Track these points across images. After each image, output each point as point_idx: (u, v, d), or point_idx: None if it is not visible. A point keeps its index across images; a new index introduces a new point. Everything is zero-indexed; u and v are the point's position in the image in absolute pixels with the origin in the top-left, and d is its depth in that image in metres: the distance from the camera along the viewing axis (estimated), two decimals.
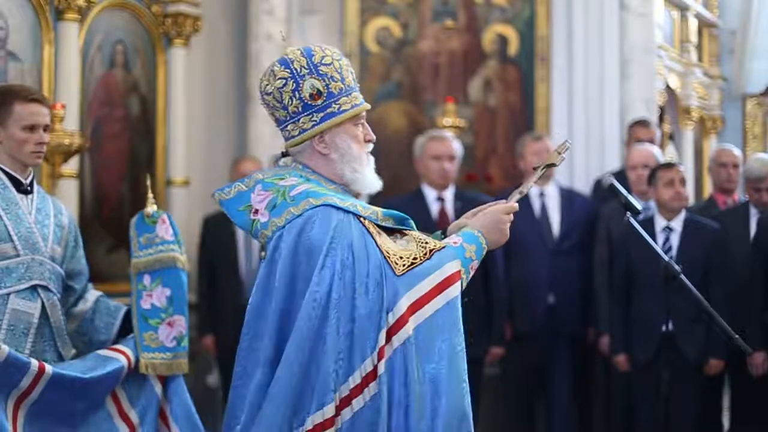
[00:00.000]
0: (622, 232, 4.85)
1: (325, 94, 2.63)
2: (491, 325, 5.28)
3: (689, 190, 6.02)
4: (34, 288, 3.29)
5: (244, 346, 2.59)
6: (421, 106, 6.47)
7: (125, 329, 3.49)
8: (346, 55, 3.42)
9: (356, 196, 2.76)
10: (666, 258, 3.97)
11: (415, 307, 2.52)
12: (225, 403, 2.69)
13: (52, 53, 4.95)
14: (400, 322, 2.50)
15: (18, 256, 3.26)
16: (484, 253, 2.66)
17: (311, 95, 2.63)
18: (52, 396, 3.12)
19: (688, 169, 6.63)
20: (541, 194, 5.57)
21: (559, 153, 2.79)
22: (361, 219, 2.59)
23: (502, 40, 6.46)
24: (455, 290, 2.57)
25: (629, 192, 4.35)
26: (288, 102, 2.64)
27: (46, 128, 3.38)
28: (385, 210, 2.71)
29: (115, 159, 5.50)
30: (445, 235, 2.79)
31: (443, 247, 2.61)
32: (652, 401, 4.69)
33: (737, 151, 5.94)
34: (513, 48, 6.45)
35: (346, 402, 2.47)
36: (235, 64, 6.40)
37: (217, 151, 6.26)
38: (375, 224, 2.63)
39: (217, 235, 5.65)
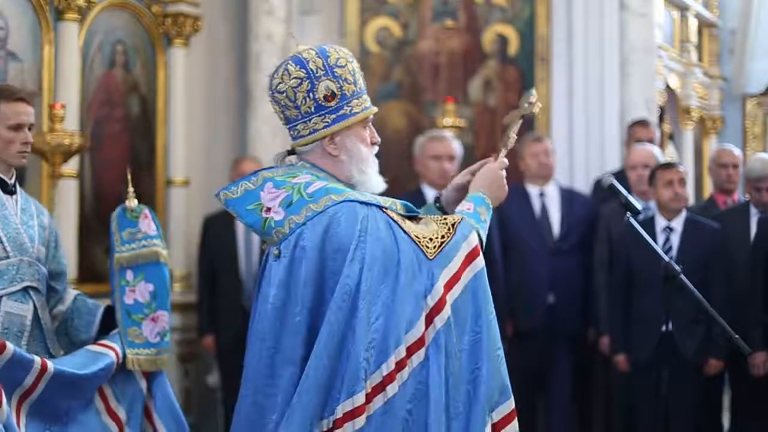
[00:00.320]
0: (622, 232, 4.85)
1: (338, 96, 2.64)
2: None
3: (689, 190, 6.01)
4: (25, 290, 3.25)
5: (268, 345, 2.56)
6: (421, 106, 6.47)
7: (105, 327, 3.45)
8: None
9: None
10: (666, 258, 3.97)
11: (450, 284, 2.57)
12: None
13: (52, 53, 4.96)
14: (440, 304, 2.54)
15: (8, 257, 3.21)
16: (491, 211, 2.79)
17: (325, 96, 2.63)
18: (50, 394, 3.09)
19: (688, 170, 6.62)
20: (541, 194, 5.55)
21: (530, 104, 2.94)
22: (384, 209, 2.61)
23: (502, 40, 6.46)
24: (480, 261, 2.63)
25: (629, 192, 4.34)
26: (301, 102, 2.64)
27: (30, 128, 3.35)
28: (401, 201, 2.75)
29: (115, 159, 5.49)
30: (440, 202, 2.90)
31: (462, 219, 2.67)
32: (652, 401, 4.69)
33: (737, 152, 5.93)
34: (513, 48, 6.45)
35: (379, 389, 2.49)
36: (235, 64, 6.40)
37: (217, 151, 6.25)
38: (396, 213, 2.66)
39: (217, 235, 5.65)
